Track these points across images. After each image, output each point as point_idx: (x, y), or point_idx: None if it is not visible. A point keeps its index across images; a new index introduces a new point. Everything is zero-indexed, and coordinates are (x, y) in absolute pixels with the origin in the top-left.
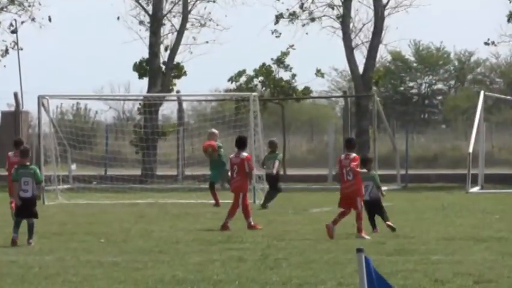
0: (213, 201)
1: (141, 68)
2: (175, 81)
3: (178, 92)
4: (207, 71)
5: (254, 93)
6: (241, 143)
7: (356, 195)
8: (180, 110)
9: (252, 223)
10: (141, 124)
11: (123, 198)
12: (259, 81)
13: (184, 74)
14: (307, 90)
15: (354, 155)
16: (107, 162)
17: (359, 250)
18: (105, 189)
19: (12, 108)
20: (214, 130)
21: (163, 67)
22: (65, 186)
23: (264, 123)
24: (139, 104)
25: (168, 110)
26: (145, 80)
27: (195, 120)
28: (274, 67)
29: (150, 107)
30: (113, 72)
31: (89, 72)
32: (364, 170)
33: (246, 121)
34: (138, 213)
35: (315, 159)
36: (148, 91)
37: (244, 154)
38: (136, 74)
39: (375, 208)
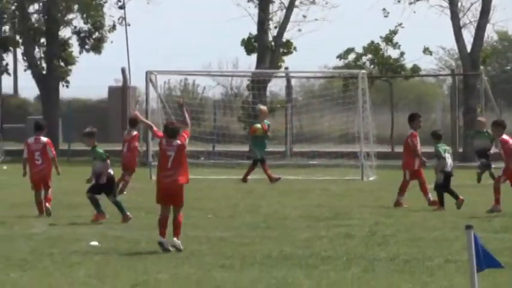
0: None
1: (249, 44)
2: (284, 57)
3: (286, 68)
4: (315, 48)
5: (363, 71)
6: (409, 119)
7: None
8: (289, 86)
9: (431, 199)
10: (249, 100)
11: (230, 174)
12: (368, 59)
13: (295, 50)
14: (416, 68)
15: None
16: (215, 138)
17: (468, 227)
18: (213, 164)
19: (120, 84)
20: (262, 107)
21: (272, 44)
22: None
23: (372, 100)
24: (248, 80)
25: (276, 86)
26: (254, 57)
27: (303, 97)
28: (382, 45)
29: (258, 83)
30: (221, 48)
31: (196, 49)
32: None
33: (354, 98)
34: (246, 189)
35: (423, 136)
36: (257, 67)
37: (410, 131)
38: (244, 51)
39: (449, 182)
